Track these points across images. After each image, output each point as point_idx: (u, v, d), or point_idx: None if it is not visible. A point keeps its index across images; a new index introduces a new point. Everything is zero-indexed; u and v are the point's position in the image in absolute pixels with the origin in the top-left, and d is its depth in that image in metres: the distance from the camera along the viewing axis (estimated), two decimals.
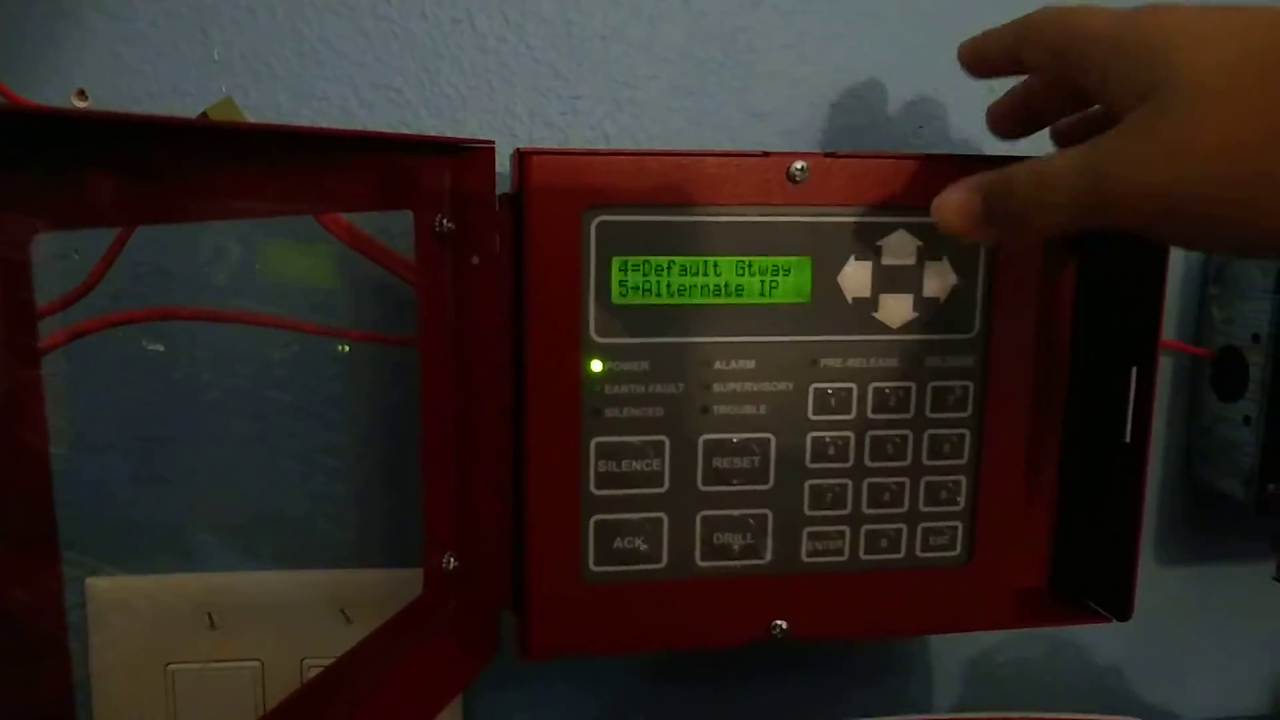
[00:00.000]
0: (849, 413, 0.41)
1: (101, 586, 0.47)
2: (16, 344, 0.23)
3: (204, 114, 0.38)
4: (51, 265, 0.43)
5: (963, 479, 0.43)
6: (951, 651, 0.57)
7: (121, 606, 0.48)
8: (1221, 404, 0.52)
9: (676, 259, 0.39)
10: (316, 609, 0.48)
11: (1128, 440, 0.44)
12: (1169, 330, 0.53)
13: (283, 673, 0.48)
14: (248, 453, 0.47)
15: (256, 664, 0.48)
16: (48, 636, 0.25)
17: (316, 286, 0.45)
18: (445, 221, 0.39)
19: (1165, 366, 0.55)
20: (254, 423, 0.47)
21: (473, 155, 0.39)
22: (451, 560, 0.41)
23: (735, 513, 0.41)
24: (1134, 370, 0.43)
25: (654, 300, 0.39)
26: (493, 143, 0.39)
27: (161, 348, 0.46)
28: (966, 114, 0.50)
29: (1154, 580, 0.56)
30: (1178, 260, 0.54)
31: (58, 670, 0.26)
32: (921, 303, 0.41)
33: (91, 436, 0.46)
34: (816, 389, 0.41)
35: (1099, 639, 0.57)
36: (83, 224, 0.24)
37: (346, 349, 0.45)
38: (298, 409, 0.47)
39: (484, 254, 0.39)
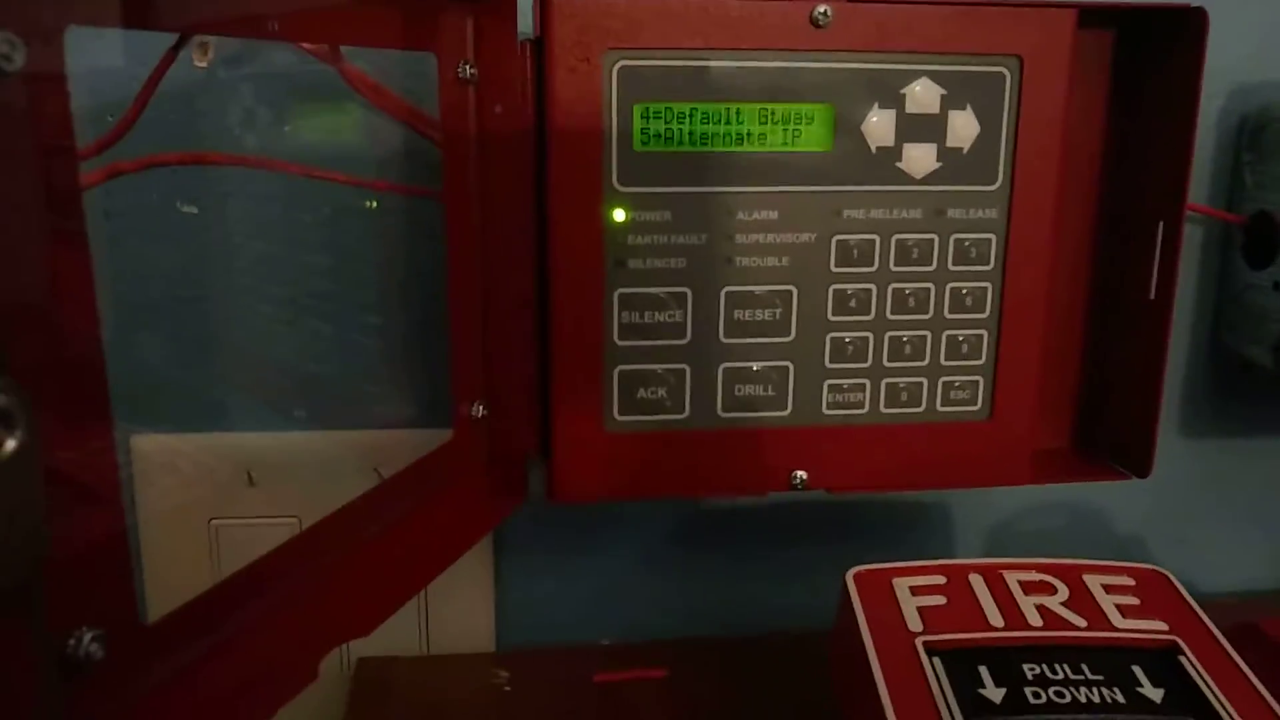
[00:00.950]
0: (871, 265, 0.42)
1: (146, 445, 0.49)
2: (56, 147, 0.24)
3: None
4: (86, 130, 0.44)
5: (984, 333, 0.43)
6: (971, 518, 0.57)
7: (166, 464, 0.50)
8: (1251, 271, 0.52)
9: (699, 106, 0.39)
10: (352, 468, 0.50)
11: (1152, 297, 0.44)
12: (1201, 196, 0.53)
13: None
14: (281, 314, 0.48)
15: (295, 520, 0.50)
16: (102, 489, 0.26)
17: (344, 145, 0.46)
18: (469, 68, 0.39)
19: (1196, 233, 0.54)
20: (286, 286, 0.48)
21: (496, 1, 0.39)
22: (480, 409, 0.42)
23: (757, 365, 0.42)
24: (1160, 225, 0.43)
25: (676, 148, 0.39)
26: None
27: (195, 209, 0.47)
28: None
29: (1176, 448, 0.56)
30: (1210, 127, 0.53)
31: (112, 520, 0.27)
32: (945, 153, 0.41)
33: (130, 297, 0.47)
34: (839, 240, 0.41)
35: (1121, 508, 0.58)
36: (115, 21, 0.25)
37: (374, 204, 0.46)
38: (330, 270, 0.48)
39: (507, 102, 0.39)
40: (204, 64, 0.46)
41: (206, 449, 0.50)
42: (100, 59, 0.42)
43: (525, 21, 0.39)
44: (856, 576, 0.40)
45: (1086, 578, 0.41)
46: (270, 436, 0.50)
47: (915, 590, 0.40)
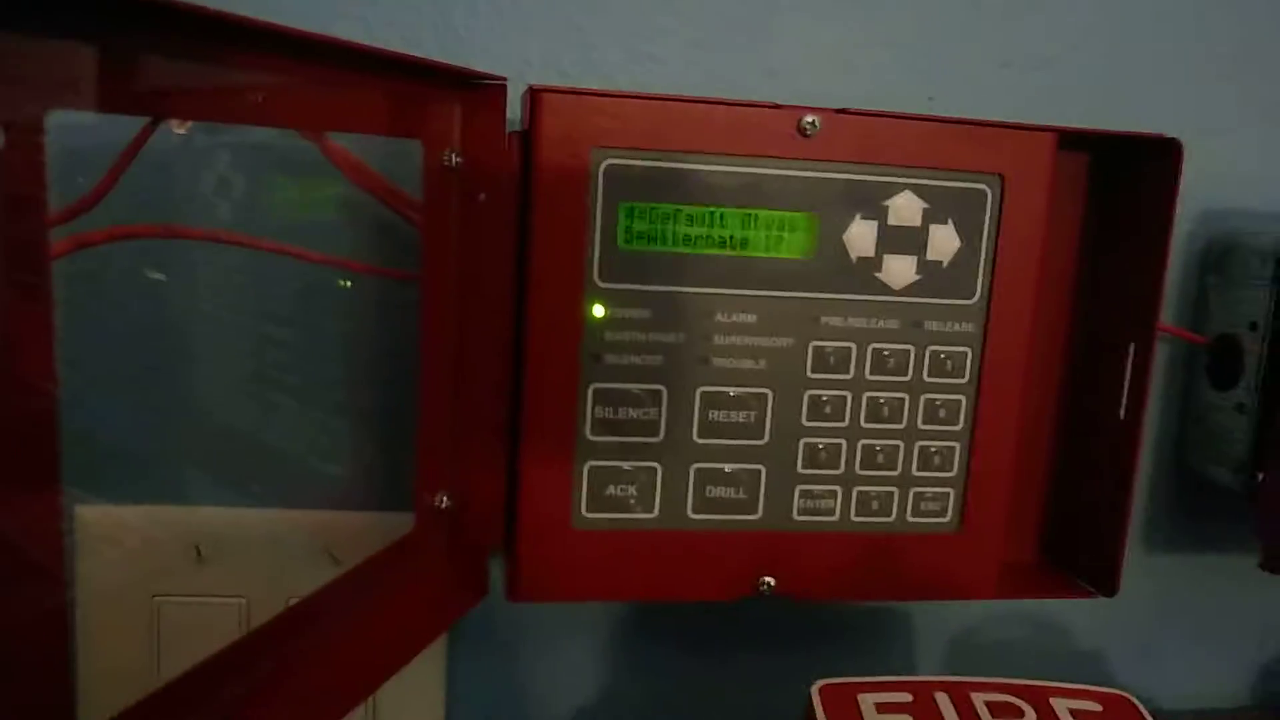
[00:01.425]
0: (847, 372, 0.41)
1: (90, 515, 0.47)
2: (27, 221, 0.23)
3: None
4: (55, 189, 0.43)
5: (956, 445, 0.43)
6: (935, 627, 0.57)
7: (110, 536, 0.48)
8: (1216, 392, 0.53)
9: (683, 208, 0.39)
10: (304, 549, 0.48)
11: (1122, 416, 0.44)
12: (1167, 317, 0.54)
13: (267, 610, 0.47)
14: (244, 387, 0.47)
15: (242, 600, 0.48)
16: (43, 562, 0.25)
17: (320, 222, 0.45)
18: (454, 156, 0.39)
19: (1161, 354, 0.55)
20: (251, 358, 0.47)
21: (485, 91, 0.39)
22: (445, 499, 0.41)
23: (729, 467, 0.41)
24: (1131, 346, 0.44)
25: (659, 248, 0.39)
26: (505, 79, 0.39)
27: (163, 277, 0.46)
28: (978, 87, 0.50)
29: (1141, 566, 0.56)
30: (1178, 250, 0.54)
31: (52, 595, 0.26)
32: (925, 265, 0.41)
33: (89, 364, 0.46)
34: (816, 346, 0.41)
35: (1083, 622, 0.58)
36: (95, 106, 0.24)
37: (348, 284, 0.45)
38: (296, 345, 0.47)
39: (491, 191, 0.39)
40: (183, 130, 0.45)
41: (154, 521, 0.48)
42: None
43: (514, 110, 0.39)
44: (822, 690, 0.39)
45: (1054, 700, 0.40)
46: (222, 511, 0.48)
47: (880, 707, 0.39)
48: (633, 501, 0.41)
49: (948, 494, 0.43)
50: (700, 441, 0.41)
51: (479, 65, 0.45)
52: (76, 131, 0.40)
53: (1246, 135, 0.53)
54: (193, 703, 0.30)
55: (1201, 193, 0.52)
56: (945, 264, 0.41)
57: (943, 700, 0.39)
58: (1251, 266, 0.50)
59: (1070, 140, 0.42)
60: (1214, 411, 0.53)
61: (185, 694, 0.30)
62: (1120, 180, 0.45)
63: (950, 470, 0.43)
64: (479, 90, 0.39)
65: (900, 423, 0.42)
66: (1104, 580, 0.45)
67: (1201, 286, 0.54)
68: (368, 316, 0.47)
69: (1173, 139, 0.41)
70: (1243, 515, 0.50)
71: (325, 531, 0.48)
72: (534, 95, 0.38)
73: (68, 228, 0.37)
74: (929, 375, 0.42)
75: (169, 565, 0.48)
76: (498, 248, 0.39)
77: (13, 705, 0.23)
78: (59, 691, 0.25)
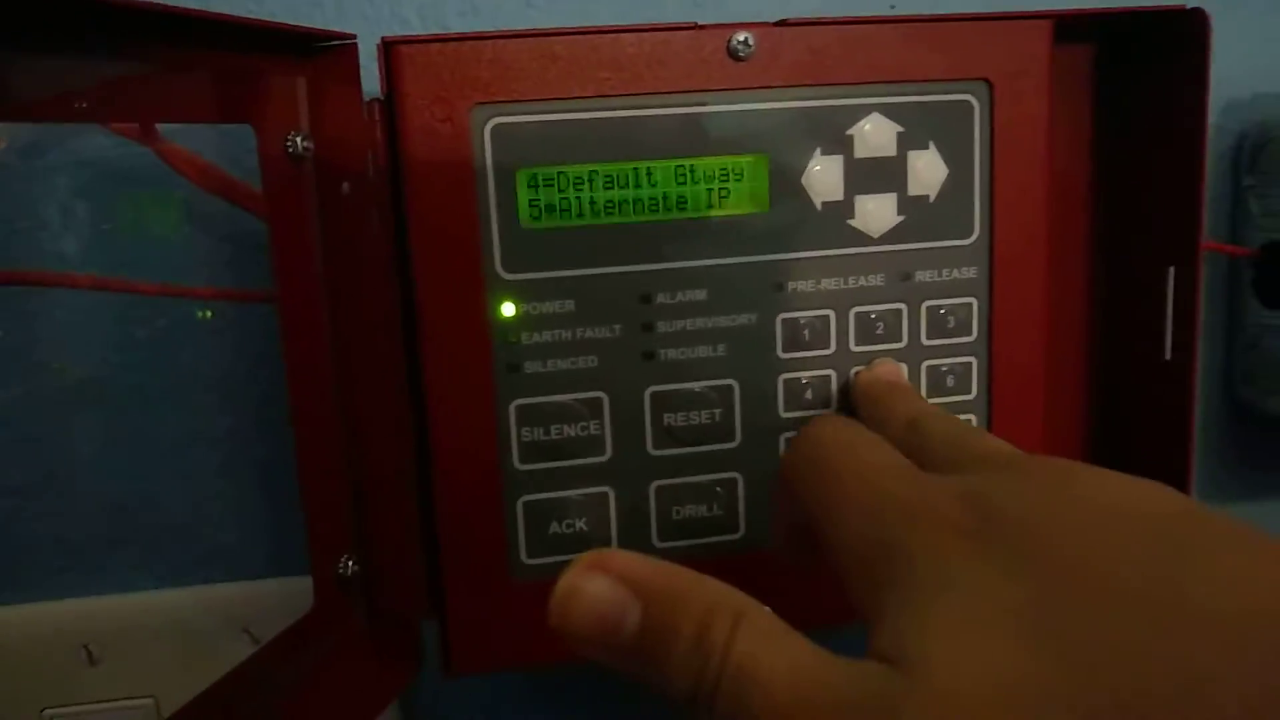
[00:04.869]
0: (827, 346, 0.34)
1: None
2: None
3: None
4: None
5: (972, 418, 0.35)
6: None
7: None
8: (1267, 311, 0.45)
9: (599, 167, 0.31)
10: (215, 629, 0.41)
11: (1168, 357, 0.36)
12: None
13: None
14: (113, 450, 0.39)
15: (149, 701, 0.41)
16: None
17: (174, 241, 0.37)
18: (300, 140, 0.31)
19: None
20: (117, 414, 0.39)
21: (331, 54, 0.31)
22: (349, 563, 0.33)
23: (697, 479, 0.34)
24: (1170, 272, 0.36)
25: (573, 222, 0.31)
26: (354, 36, 0.31)
27: (1, 332, 0.38)
28: None
29: None
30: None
31: None
32: (907, 203, 0.33)
33: None
34: (785, 319, 0.33)
35: None
36: None
37: (208, 315, 0.37)
38: (166, 393, 0.39)
39: (355, 178, 0.31)
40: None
41: (32, 621, 0.40)
42: None
43: (371, 80, 0.31)
44: None
45: None
46: (111, 600, 0.41)
47: None
48: (584, 537, 0.33)
49: None
50: (657, 453, 0.33)
51: (341, 29, 0.37)
52: None
53: (1271, 3, 0.44)
54: None
55: (1224, 77, 0.44)
56: (932, 198, 0.33)
57: None
58: None
59: (1068, 29, 0.34)
60: (1268, 333, 0.45)
61: None
62: (1131, 73, 0.37)
63: None
64: (324, 55, 0.31)
65: None
66: None
67: (1236, 189, 0.46)
68: (247, 349, 0.39)
69: (1196, 9, 0.33)
70: None
71: (236, 606, 0.41)
72: (389, 50, 0.30)
73: None
74: (928, 337, 0.34)
75: (58, 670, 0.40)
76: (371, 248, 0.31)
77: None
78: None
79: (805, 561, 0.27)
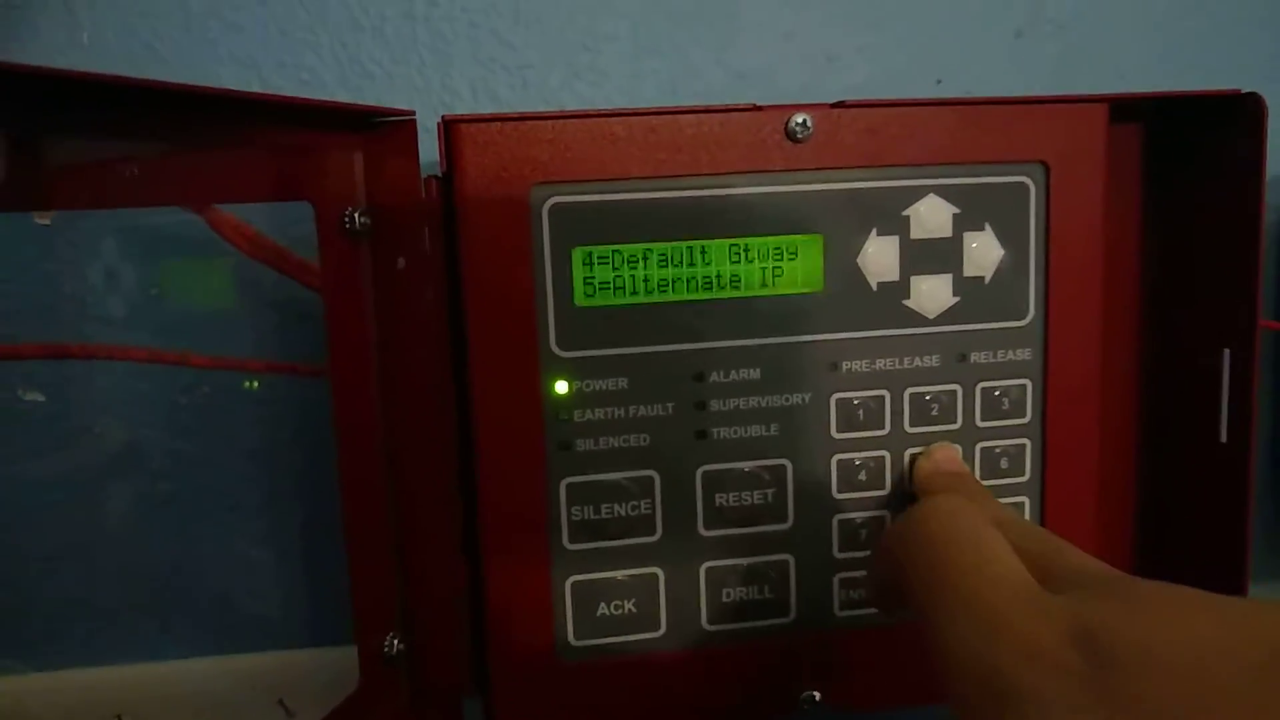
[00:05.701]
0: (882, 427, 0.33)
1: None
2: None
3: None
4: None
5: (1025, 500, 0.35)
6: None
7: (16, 712, 0.40)
8: None
9: (654, 246, 0.31)
10: (249, 699, 0.40)
11: (1223, 439, 0.35)
12: None
13: None
14: (153, 518, 0.39)
15: None
16: None
17: (221, 310, 0.37)
18: (358, 216, 0.31)
19: None
20: (159, 481, 0.39)
21: (389, 130, 0.31)
22: (395, 642, 0.32)
23: (748, 561, 0.33)
24: (1226, 354, 0.35)
25: (628, 300, 0.31)
26: (413, 113, 0.31)
27: (42, 397, 0.38)
28: (992, 61, 0.42)
29: None
30: None
31: None
32: (963, 284, 0.33)
33: None
34: (839, 399, 0.33)
35: None
36: None
37: (255, 385, 0.37)
38: (209, 461, 0.39)
39: (411, 254, 0.31)
40: (46, 221, 0.37)
41: (63, 689, 0.40)
42: None
43: (430, 153, 0.31)
44: None
45: None
46: (144, 669, 0.40)
47: None
48: (633, 620, 0.33)
49: None
50: (708, 534, 0.33)
51: (394, 104, 0.38)
52: None
53: None
54: None
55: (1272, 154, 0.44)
56: (987, 280, 0.33)
57: None
58: None
59: (1122, 110, 0.34)
60: None
61: None
62: (1183, 152, 0.37)
63: None
64: (381, 131, 0.31)
65: None
66: None
67: None
68: (290, 420, 0.39)
69: (1252, 93, 0.33)
70: None
71: (271, 676, 0.40)
72: (449, 128, 0.30)
73: None
74: (982, 419, 0.34)
75: None
76: (426, 323, 0.31)
77: None
78: None
79: (899, 616, 0.27)
